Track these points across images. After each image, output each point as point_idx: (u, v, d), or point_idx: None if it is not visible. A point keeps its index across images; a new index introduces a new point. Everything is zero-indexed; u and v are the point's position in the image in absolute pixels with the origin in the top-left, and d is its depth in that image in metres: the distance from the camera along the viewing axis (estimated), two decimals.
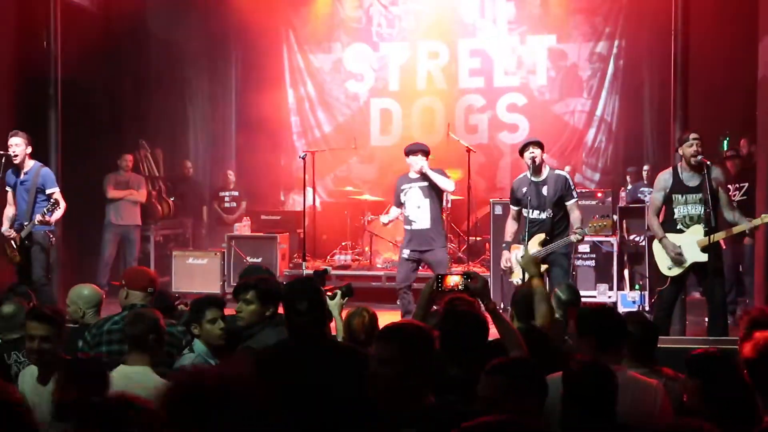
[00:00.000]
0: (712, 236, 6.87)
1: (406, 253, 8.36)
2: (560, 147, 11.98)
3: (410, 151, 8.46)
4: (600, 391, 3.24)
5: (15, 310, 5.05)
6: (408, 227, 8.44)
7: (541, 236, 7.49)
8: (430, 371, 3.26)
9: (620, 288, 9.55)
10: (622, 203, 10.31)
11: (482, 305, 4.21)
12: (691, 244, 6.99)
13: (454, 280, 4.24)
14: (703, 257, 6.95)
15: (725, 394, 3.42)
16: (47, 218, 7.93)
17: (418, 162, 8.31)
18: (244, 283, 5.06)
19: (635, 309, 9.18)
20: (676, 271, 7.09)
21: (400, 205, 8.55)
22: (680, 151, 7.12)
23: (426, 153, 8.39)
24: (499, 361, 3.15)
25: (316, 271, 5.47)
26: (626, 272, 9.69)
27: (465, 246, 10.86)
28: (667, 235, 7.11)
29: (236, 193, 12.26)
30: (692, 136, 7.02)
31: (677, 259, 7.00)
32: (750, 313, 4.69)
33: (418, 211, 8.33)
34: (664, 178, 7.24)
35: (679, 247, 7.05)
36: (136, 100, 11.63)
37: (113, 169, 10.81)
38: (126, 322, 4.59)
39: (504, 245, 7.87)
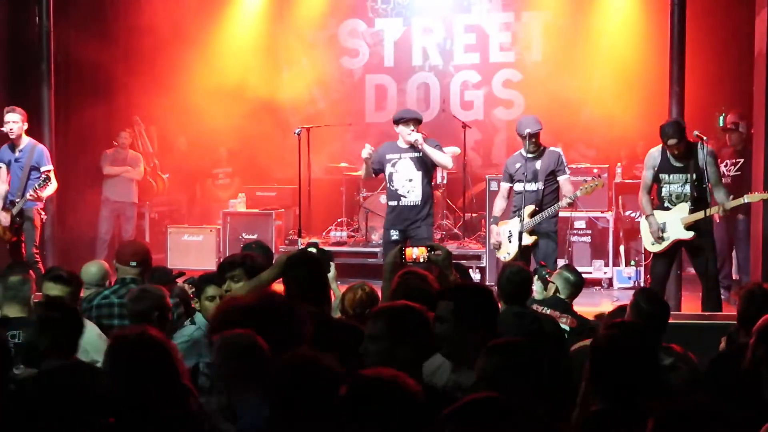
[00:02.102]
0: (707, 210, 6.94)
1: (394, 234, 7.63)
2: (555, 123, 11.91)
3: (400, 119, 7.71)
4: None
5: (22, 280, 4.93)
6: (394, 203, 7.73)
7: (531, 208, 7.53)
8: (420, 348, 3.33)
9: (616, 264, 9.59)
10: (617, 179, 10.32)
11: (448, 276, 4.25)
12: (675, 221, 7.12)
13: (416, 252, 4.29)
14: (686, 235, 7.07)
15: None
16: (39, 193, 7.92)
17: (411, 134, 7.57)
18: (230, 261, 5.02)
19: (631, 285, 9.25)
20: (658, 247, 7.28)
21: (379, 173, 7.86)
22: None
23: (418, 122, 7.71)
24: (497, 342, 3.15)
25: (310, 243, 5.52)
26: (622, 248, 9.73)
27: (461, 222, 10.86)
28: (654, 212, 7.23)
29: (230, 170, 12.24)
30: (670, 141, 7.04)
31: (657, 237, 7.12)
32: (745, 287, 4.70)
33: (410, 185, 7.66)
34: (653, 156, 7.34)
35: (663, 224, 7.16)
36: (130, 75, 11.55)
37: (107, 146, 10.77)
38: (130, 297, 4.58)
39: (492, 220, 7.90)
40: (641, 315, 4.29)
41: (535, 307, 5.41)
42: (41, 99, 8.78)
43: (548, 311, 5.34)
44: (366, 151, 7.81)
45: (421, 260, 4.28)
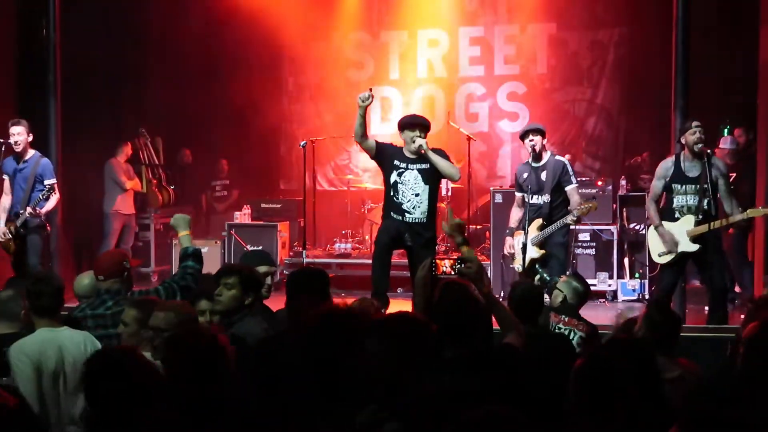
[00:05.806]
0: (711, 224, 6.94)
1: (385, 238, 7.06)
2: (560, 136, 11.96)
3: (406, 124, 7.08)
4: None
5: (10, 296, 4.83)
6: (398, 216, 7.07)
7: (539, 221, 7.53)
8: (424, 362, 3.22)
9: (620, 276, 9.56)
10: (622, 191, 10.31)
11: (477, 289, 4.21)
12: (681, 233, 7.10)
13: (448, 264, 4.28)
14: (692, 247, 7.06)
15: None
16: (38, 210, 8.00)
17: (416, 140, 6.94)
18: (227, 267, 4.95)
19: (636, 297, 9.24)
20: (665, 259, 7.24)
21: (377, 161, 7.26)
22: (683, 140, 7.18)
23: (426, 128, 7.08)
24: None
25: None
26: (626, 261, 9.71)
27: (465, 234, 10.84)
28: (663, 223, 7.22)
29: (227, 182, 12.27)
30: (695, 123, 7.09)
31: (672, 248, 7.09)
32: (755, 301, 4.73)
33: (416, 200, 7.04)
34: (666, 166, 7.33)
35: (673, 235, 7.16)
36: (136, 87, 11.60)
37: (111, 157, 10.74)
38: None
39: (507, 231, 7.88)
40: (653, 327, 4.28)
41: (553, 315, 5.43)
42: (48, 111, 8.81)
43: (566, 319, 5.37)
44: (366, 93, 6.88)
45: (453, 273, 4.26)
